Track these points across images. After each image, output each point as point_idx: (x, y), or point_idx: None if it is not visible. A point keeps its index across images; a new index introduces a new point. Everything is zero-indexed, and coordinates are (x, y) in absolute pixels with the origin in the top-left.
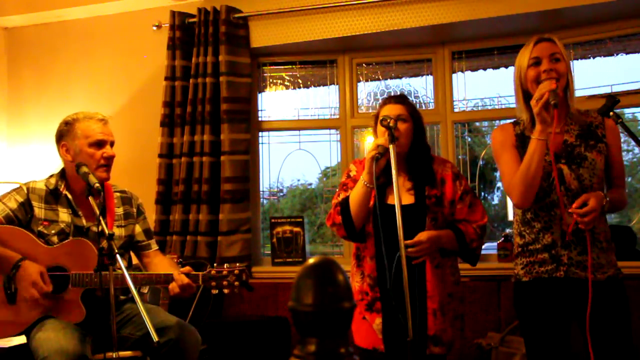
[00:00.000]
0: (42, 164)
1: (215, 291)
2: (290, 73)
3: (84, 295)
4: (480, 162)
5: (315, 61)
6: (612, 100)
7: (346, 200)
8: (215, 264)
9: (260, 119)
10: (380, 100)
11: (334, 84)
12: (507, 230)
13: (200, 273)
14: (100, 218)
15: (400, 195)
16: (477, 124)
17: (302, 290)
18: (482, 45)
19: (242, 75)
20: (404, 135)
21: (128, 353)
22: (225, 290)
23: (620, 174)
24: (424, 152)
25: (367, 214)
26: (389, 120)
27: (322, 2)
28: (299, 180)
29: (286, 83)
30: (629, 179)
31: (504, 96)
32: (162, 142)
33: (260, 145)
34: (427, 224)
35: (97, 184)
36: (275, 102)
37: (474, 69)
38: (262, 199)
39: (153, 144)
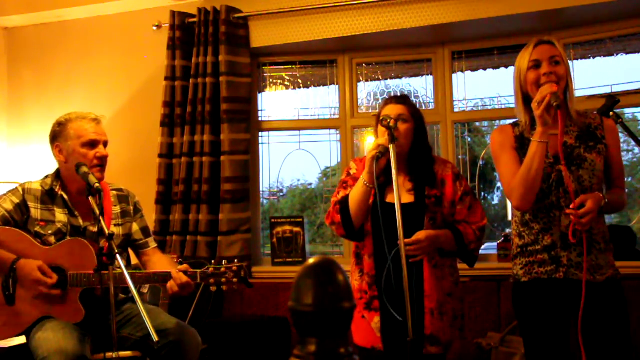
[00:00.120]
0: (42, 164)
1: (213, 288)
2: (290, 73)
3: (82, 295)
4: (480, 162)
5: (315, 61)
6: (612, 100)
7: (346, 199)
8: (212, 261)
9: (260, 119)
10: (381, 100)
11: (334, 84)
12: (507, 231)
13: (198, 271)
14: (101, 218)
15: (400, 194)
16: (477, 124)
17: (302, 290)
18: (482, 45)
19: (242, 75)
20: (403, 135)
21: (128, 353)
22: (224, 287)
23: (620, 175)
24: (425, 152)
25: (366, 213)
26: (389, 121)
27: (322, 2)
28: (299, 180)
29: (286, 83)
30: (629, 179)
31: (504, 96)
32: (162, 142)
33: (260, 145)
34: (425, 223)
35: (97, 184)
36: (275, 102)
37: (474, 69)
38: (262, 199)
39: (153, 144)
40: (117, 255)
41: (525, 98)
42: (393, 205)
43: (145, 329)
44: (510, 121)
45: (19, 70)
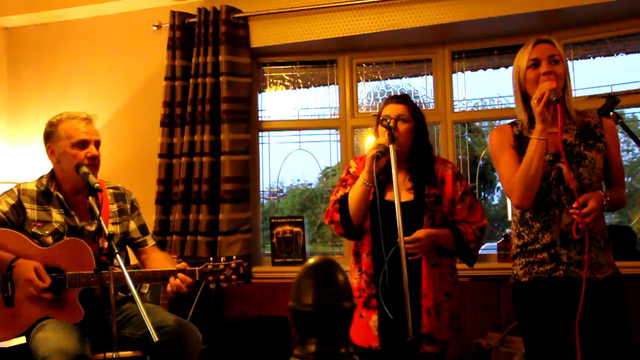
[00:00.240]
0: (42, 164)
1: (213, 285)
2: (290, 73)
3: (81, 295)
4: (480, 162)
5: (315, 61)
6: (612, 100)
7: (345, 197)
8: (211, 258)
9: (260, 119)
10: (381, 100)
11: (334, 84)
12: (507, 230)
13: (197, 268)
14: (101, 219)
15: (400, 192)
16: (477, 124)
17: (302, 290)
18: (482, 45)
19: (242, 75)
20: (403, 135)
21: (128, 353)
22: (224, 284)
23: (619, 173)
24: (426, 151)
25: (365, 212)
26: (389, 121)
27: (322, 2)
28: (299, 180)
29: (286, 83)
30: (629, 179)
31: (504, 96)
32: (162, 142)
33: (260, 145)
34: (424, 222)
35: (97, 184)
36: (275, 102)
37: (474, 69)
38: (262, 199)
39: (153, 144)
40: (117, 255)
41: (524, 97)
42: (392, 203)
43: (145, 328)
44: (509, 122)
45: (19, 70)
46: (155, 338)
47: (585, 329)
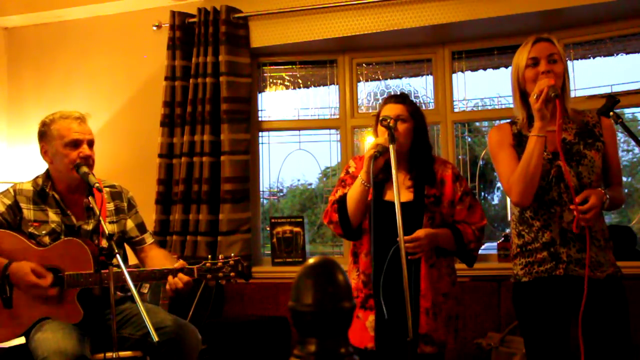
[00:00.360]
0: (42, 164)
1: (212, 283)
2: (290, 73)
3: (80, 295)
4: (480, 162)
5: (315, 61)
6: (612, 100)
7: (343, 198)
8: (209, 256)
9: (260, 119)
10: (381, 100)
11: (334, 84)
12: (507, 230)
13: (195, 267)
14: (101, 219)
15: (399, 192)
16: (477, 124)
17: (302, 290)
18: (482, 45)
19: (242, 75)
20: (403, 135)
21: (128, 353)
22: (222, 282)
23: (617, 172)
24: (425, 151)
25: (363, 212)
26: (389, 121)
27: (322, 2)
28: (299, 180)
29: (286, 83)
30: (629, 179)
31: (504, 96)
32: (162, 142)
33: (260, 145)
34: (424, 222)
35: (97, 184)
36: (275, 102)
37: (474, 69)
38: (262, 199)
39: (153, 144)
40: (117, 255)
41: (523, 95)
42: (391, 203)
43: (145, 328)
44: (507, 121)
45: (19, 70)
46: (155, 338)
47: (585, 327)
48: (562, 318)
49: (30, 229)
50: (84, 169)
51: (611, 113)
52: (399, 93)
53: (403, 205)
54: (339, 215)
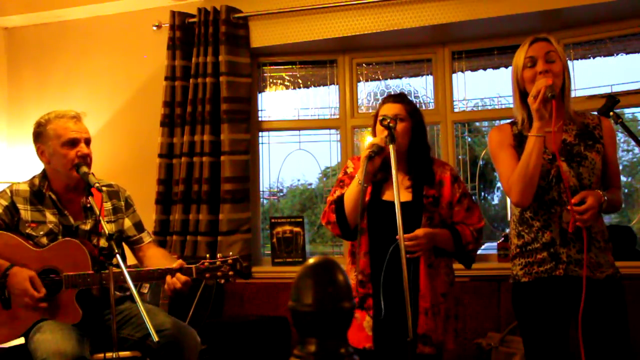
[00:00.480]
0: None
1: (211, 282)
2: (290, 73)
3: (78, 295)
4: (480, 162)
5: (315, 61)
6: (612, 100)
7: (341, 198)
8: (207, 255)
9: (260, 119)
10: (380, 99)
11: (334, 84)
12: (507, 230)
13: (193, 266)
14: (101, 219)
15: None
16: (477, 124)
17: (302, 290)
18: (482, 45)
19: (242, 75)
20: (401, 134)
21: (127, 353)
22: (221, 281)
23: (616, 175)
24: (424, 151)
25: (361, 212)
26: (389, 121)
27: (322, 2)
28: (299, 180)
29: (286, 83)
30: (629, 179)
31: (504, 96)
32: (162, 142)
33: (260, 145)
34: (423, 222)
35: (98, 184)
36: (275, 102)
37: (474, 69)
38: (262, 199)
39: (153, 144)
40: (117, 255)
41: (522, 96)
42: (389, 203)
43: (144, 329)
44: (508, 121)
45: (19, 70)
46: (155, 338)
47: (585, 328)
48: (561, 318)
49: (28, 230)
50: (84, 168)
51: (611, 113)
52: (398, 92)
53: (402, 205)
54: (336, 216)
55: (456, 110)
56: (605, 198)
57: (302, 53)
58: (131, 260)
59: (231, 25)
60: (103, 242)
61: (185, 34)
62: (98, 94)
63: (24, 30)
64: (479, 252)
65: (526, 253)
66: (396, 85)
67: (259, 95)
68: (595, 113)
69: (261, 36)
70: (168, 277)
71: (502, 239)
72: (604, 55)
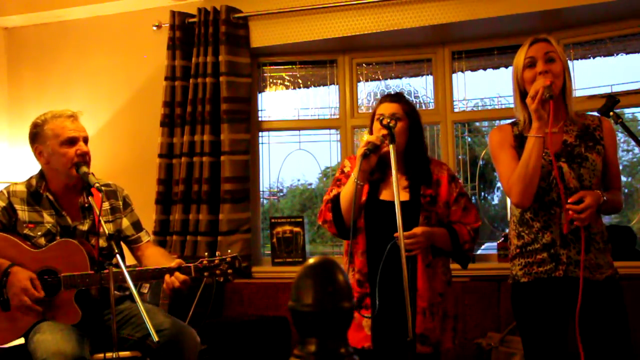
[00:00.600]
0: None
1: (210, 280)
2: (290, 73)
3: (77, 296)
4: (480, 162)
5: (315, 61)
6: (612, 100)
7: (337, 197)
8: (206, 253)
9: (260, 119)
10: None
11: (334, 84)
12: (507, 230)
13: (192, 264)
14: (101, 220)
15: (395, 191)
16: (477, 124)
17: (302, 290)
18: (482, 45)
19: (242, 75)
20: (398, 134)
21: (127, 353)
22: (220, 279)
23: (616, 177)
24: (421, 151)
25: (357, 211)
26: (389, 120)
27: (322, 2)
28: (299, 180)
29: (286, 83)
30: (629, 179)
31: (504, 96)
32: (162, 142)
33: (260, 145)
34: (420, 221)
35: (98, 184)
36: (275, 102)
37: (474, 69)
38: (262, 199)
39: (153, 144)
40: (117, 255)
41: (523, 96)
42: (386, 202)
43: (144, 329)
44: (509, 121)
45: (19, 70)
46: (155, 338)
47: (584, 329)
48: (560, 319)
49: (26, 231)
50: (84, 168)
51: (611, 113)
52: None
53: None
54: (332, 215)
55: (456, 110)
56: (605, 198)
57: (302, 53)
58: (130, 260)
59: (231, 25)
60: (102, 242)
61: (185, 34)
62: (98, 94)
63: (24, 30)
64: (479, 252)
65: (526, 253)
66: (396, 85)
67: (259, 95)
68: (596, 114)
69: (261, 36)
70: (167, 276)
71: (502, 239)
72: (604, 55)
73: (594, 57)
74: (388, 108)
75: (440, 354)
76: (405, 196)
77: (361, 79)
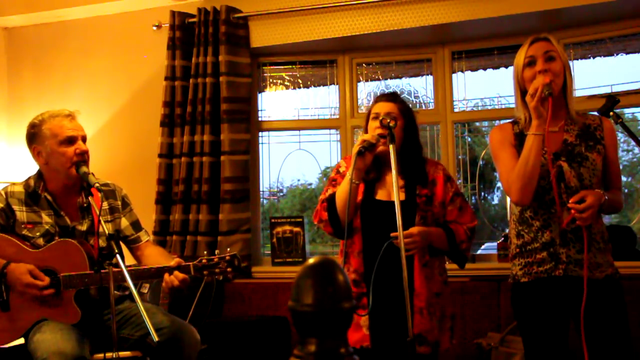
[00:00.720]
0: None
1: (209, 279)
2: (290, 73)
3: (76, 296)
4: (480, 162)
5: (315, 61)
6: (612, 100)
7: (332, 196)
8: (205, 252)
9: (260, 119)
10: (372, 98)
11: (334, 84)
12: (507, 230)
13: (191, 263)
14: (102, 220)
15: (391, 191)
16: (477, 124)
17: (302, 290)
18: (482, 45)
19: (242, 75)
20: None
21: (127, 353)
22: (219, 277)
23: (617, 177)
24: (416, 150)
25: (353, 210)
26: (389, 120)
27: (322, 2)
28: (299, 180)
29: (286, 83)
30: (629, 179)
31: (504, 96)
32: (162, 142)
33: (260, 145)
34: (416, 221)
35: (98, 184)
36: (275, 102)
37: (474, 69)
38: (262, 199)
39: (153, 144)
40: (117, 255)
41: (523, 95)
42: (382, 202)
43: (144, 328)
44: (509, 121)
45: (19, 70)
46: (155, 338)
47: (585, 328)
48: (561, 318)
49: (24, 231)
50: (84, 168)
51: (611, 113)
52: (390, 91)
53: (395, 204)
54: (328, 214)
55: (456, 110)
56: (606, 197)
57: (302, 53)
58: (129, 259)
59: (231, 25)
60: (101, 242)
61: (185, 34)
62: (98, 94)
63: (24, 30)
64: (479, 252)
65: (525, 253)
66: (396, 85)
67: (259, 95)
68: (596, 113)
69: (261, 36)
70: (166, 275)
71: (502, 239)
72: (604, 55)
73: (594, 57)
74: (383, 107)
75: (438, 354)
76: (401, 196)
77: (361, 79)
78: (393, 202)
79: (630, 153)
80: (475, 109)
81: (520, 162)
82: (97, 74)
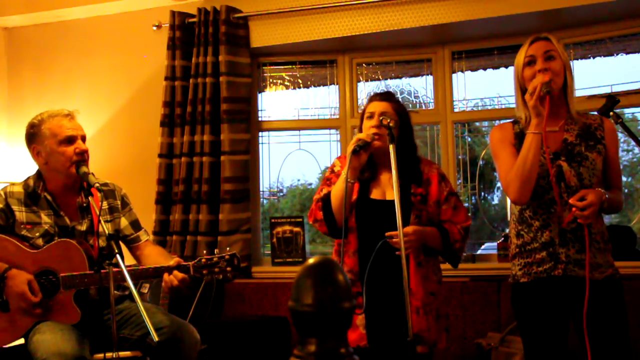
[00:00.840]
0: None
1: (209, 278)
2: (290, 73)
3: (76, 296)
4: (480, 162)
5: (315, 61)
6: (612, 100)
7: (327, 195)
8: (204, 251)
9: (260, 119)
10: (366, 97)
11: (334, 84)
12: (507, 230)
13: (190, 263)
14: (101, 220)
15: (385, 190)
16: (477, 124)
17: (302, 290)
18: (482, 45)
19: (242, 75)
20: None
21: (127, 353)
22: (219, 276)
23: (617, 176)
24: (411, 149)
25: (348, 209)
26: (389, 120)
27: (322, 2)
28: (299, 180)
29: (286, 83)
30: (629, 179)
31: (504, 96)
32: (162, 142)
33: (260, 145)
34: (411, 220)
35: (98, 184)
36: (275, 102)
37: (474, 69)
38: (262, 199)
39: (153, 144)
40: (117, 255)
41: (524, 94)
42: (377, 201)
43: (143, 328)
44: (510, 120)
45: (19, 70)
46: (155, 338)
47: (583, 327)
48: (560, 318)
49: (23, 232)
50: (84, 168)
51: (611, 113)
52: (384, 90)
53: (389, 203)
54: (323, 213)
55: (456, 110)
56: (607, 196)
57: (302, 53)
58: (129, 259)
59: (231, 25)
60: (101, 242)
61: (185, 34)
62: (98, 94)
63: (24, 30)
64: (479, 252)
65: (525, 253)
66: (396, 85)
67: (259, 95)
68: (597, 113)
69: (261, 36)
70: (165, 275)
71: (502, 239)
72: (604, 55)
73: (594, 57)
74: (378, 106)
75: (433, 354)
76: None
77: (361, 79)
78: (387, 201)
79: (630, 153)
80: (475, 109)
81: (518, 160)
82: (97, 74)
